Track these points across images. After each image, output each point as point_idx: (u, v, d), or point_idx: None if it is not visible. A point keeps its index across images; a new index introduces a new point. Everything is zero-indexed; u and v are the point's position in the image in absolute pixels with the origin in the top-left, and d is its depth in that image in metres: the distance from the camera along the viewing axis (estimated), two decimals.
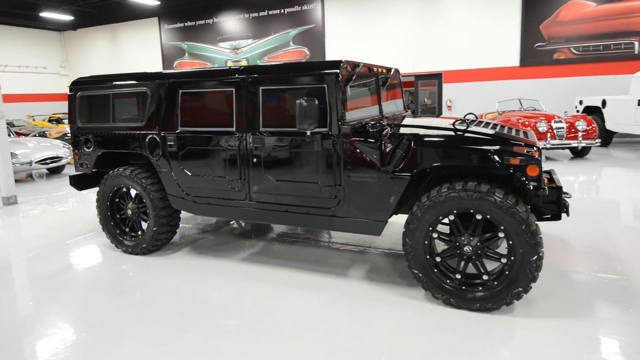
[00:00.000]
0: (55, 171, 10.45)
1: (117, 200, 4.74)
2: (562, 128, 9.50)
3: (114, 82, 4.53)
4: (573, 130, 9.50)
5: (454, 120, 3.81)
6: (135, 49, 19.76)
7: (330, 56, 16.07)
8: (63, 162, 9.88)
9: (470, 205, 3.10)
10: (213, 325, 3.20)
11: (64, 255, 4.83)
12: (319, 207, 3.70)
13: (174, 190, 4.34)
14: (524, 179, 3.05)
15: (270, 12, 16.74)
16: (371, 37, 15.51)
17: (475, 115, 4.34)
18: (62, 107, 21.11)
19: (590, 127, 9.54)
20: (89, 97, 4.71)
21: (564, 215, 3.81)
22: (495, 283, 3.14)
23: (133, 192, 4.72)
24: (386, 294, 3.60)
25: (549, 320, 3.10)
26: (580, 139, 9.40)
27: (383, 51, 15.29)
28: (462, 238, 3.23)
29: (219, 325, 3.21)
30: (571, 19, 13.14)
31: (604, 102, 11.21)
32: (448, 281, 3.27)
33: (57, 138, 11.76)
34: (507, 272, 3.09)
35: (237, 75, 3.87)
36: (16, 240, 5.50)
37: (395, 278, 3.90)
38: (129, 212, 4.67)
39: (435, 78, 15.11)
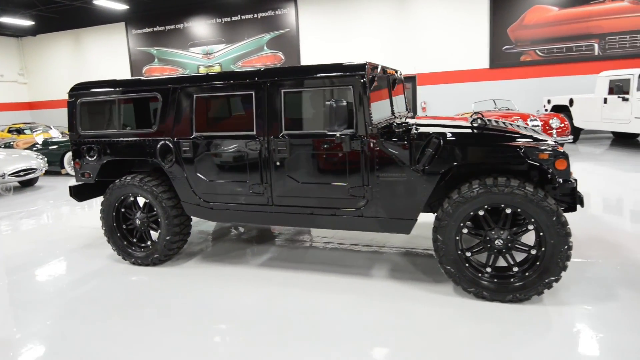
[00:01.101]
0: (27, 184, 9.90)
1: (123, 210, 4.56)
2: (538, 126, 9.95)
3: (120, 88, 4.36)
4: (547, 127, 9.98)
5: (471, 119, 3.94)
6: (101, 55, 19.07)
7: (305, 60, 16.12)
8: (37, 173, 9.38)
9: (501, 200, 3.21)
10: (253, 333, 3.14)
11: (70, 270, 4.59)
12: (346, 208, 3.71)
13: (188, 197, 4.23)
14: (551, 172, 3.18)
15: (243, 17, 16.62)
16: (346, 41, 15.69)
17: (482, 115, 4.49)
18: (22, 116, 20.08)
19: (563, 125, 10.05)
20: (92, 103, 4.52)
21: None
22: (527, 274, 3.26)
23: (141, 201, 4.56)
24: (416, 291, 3.66)
25: (579, 306, 3.24)
26: (555, 135, 9.88)
27: (358, 55, 15.48)
28: (493, 232, 3.33)
29: (258, 332, 3.15)
30: (536, 23, 13.81)
31: (571, 101, 11.84)
32: (480, 275, 3.36)
33: (25, 149, 11.15)
34: (538, 263, 3.21)
35: (256, 79, 3.83)
36: (12, 256, 5.17)
37: (419, 275, 3.97)
38: (137, 222, 4.50)
39: (409, 81, 15.45)
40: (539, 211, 3.12)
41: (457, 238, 3.38)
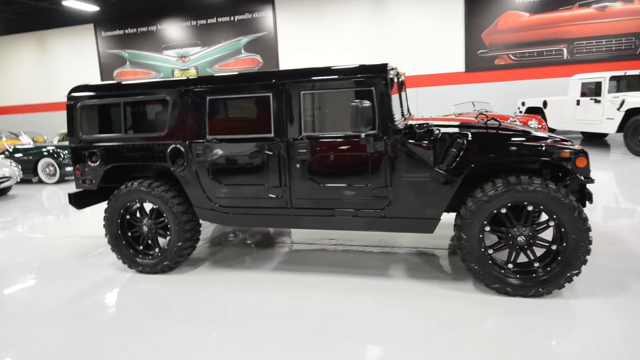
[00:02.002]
0: (0, 193, 9.36)
1: (128, 217, 4.39)
2: None
3: (126, 90, 4.20)
4: None
5: (484, 120, 4.03)
6: (68, 58, 18.34)
7: (283, 64, 16.07)
8: (12, 182, 8.90)
9: (524, 198, 3.29)
10: (286, 337, 3.09)
11: (74, 281, 4.34)
12: (368, 209, 3.71)
13: (201, 202, 4.12)
14: (571, 169, 3.30)
15: (219, 20, 16.40)
16: (324, 44, 15.76)
17: (486, 115, 4.61)
18: None
19: (541, 126, 10.46)
20: (94, 106, 4.33)
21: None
22: (549, 269, 3.36)
23: (146, 208, 4.41)
24: (438, 289, 3.70)
25: (598, 299, 3.37)
26: None
27: (336, 58, 15.59)
28: (515, 229, 3.42)
29: (292, 336, 3.10)
30: (509, 28, 14.33)
31: (545, 103, 12.34)
32: (503, 271, 3.44)
33: None
34: (560, 258, 3.32)
35: (274, 80, 3.79)
36: (5, 269, 4.87)
37: (437, 274, 4.02)
38: (145, 228, 4.34)
39: None
40: (561, 208, 3.23)
41: (481, 236, 3.44)
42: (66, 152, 10.58)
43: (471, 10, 14.46)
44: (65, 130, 14.21)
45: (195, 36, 16.79)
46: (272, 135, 3.82)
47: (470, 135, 3.46)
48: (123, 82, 4.31)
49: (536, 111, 12.64)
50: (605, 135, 12.36)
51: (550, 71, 14.19)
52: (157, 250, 4.39)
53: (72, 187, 10.08)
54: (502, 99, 14.40)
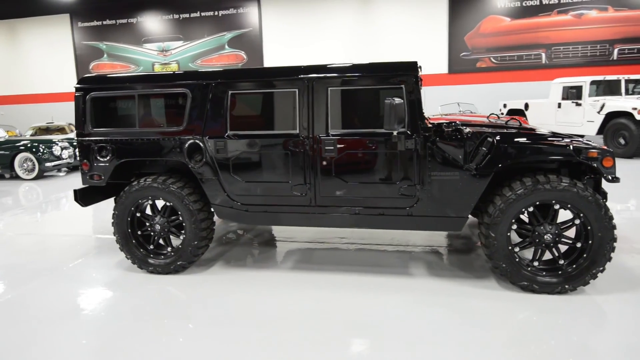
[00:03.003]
0: None
1: (138, 215, 4.21)
2: None
3: (142, 83, 4.02)
4: None
5: (505, 120, 4.09)
6: (41, 49, 17.52)
7: (268, 61, 15.91)
8: None
9: (552, 197, 3.36)
10: (322, 338, 3.03)
11: (81, 283, 4.12)
12: (395, 208, 3.70)
13: (220, 199, 3.99)
14: (598, 168, 3.39)
15: (202, 14, 16.06)
16: (309, 42, 15.70)
17: (497, 116, 4.70)
18: None
19: None
20: (105, 99, 4.12)
21: None
22: (575, 266, 3.44)
23: (157, 205, 4.24)
24: (464, 287, 3.72)
25: (621, 294, 3.47)
26: None
27: (321, 56, 15.55)
28: (542, 227, 3.48)
29: (329, 337, 3.04)
30: (490, 32, 14.69)
31: (526, 105, 12.71)
32: (530, 269, 3.50)
33: None
34: (585, 255, 3.40)
35: (300, 75, 3.71)
36: (1, 270, 4.57)
37: (458, 272, 4.05)
38: (157, 227, 4.17)
39: None
40: (588, 206, 3.31)
41: (509, 234, 3.49)
42: (44, 146, 10.11)
43: (455, 13, 14.73)
44: (38, 124, 13.57)
45: (177, 30, 16.37)
46: (297, 131, 3.74)
47: (499, 135, 3.50)
48: (138, 74, 4.13)
49: (518, 113, 12.99)
50: (582, 137, 12.83)
51: (530, 75, 14.64)
52: (169, 249, 4.23)
53: (51, 184, 9.64)
54: (484, 100, 14.74)
